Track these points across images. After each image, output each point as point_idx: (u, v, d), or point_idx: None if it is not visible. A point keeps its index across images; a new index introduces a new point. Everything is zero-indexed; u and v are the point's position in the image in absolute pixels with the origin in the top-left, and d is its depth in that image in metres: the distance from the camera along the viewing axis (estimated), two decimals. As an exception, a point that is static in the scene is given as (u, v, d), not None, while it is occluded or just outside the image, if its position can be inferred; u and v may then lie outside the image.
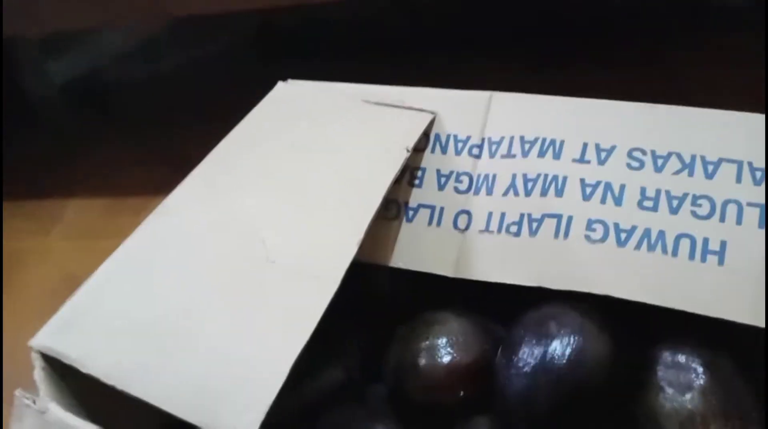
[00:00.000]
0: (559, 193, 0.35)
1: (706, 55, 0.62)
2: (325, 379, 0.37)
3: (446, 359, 0.35)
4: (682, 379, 0.32)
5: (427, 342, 0.35)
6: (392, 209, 0.39)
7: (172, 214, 0.35)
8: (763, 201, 0.33)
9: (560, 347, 0.31)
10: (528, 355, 0.31)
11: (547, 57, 0.70)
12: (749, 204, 0.33)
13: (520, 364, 0.31)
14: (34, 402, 0.26)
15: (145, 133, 0.70)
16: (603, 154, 0.36)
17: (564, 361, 0.30)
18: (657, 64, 0.66)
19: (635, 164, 0.35)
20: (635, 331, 0.38)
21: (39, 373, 0.27)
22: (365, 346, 0.42)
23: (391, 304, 0.42)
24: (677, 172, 0.35)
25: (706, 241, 0.33)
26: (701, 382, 0.32)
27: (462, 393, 0.35)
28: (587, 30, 0.75)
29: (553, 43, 0.73)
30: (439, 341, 0.35)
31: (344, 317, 0.41)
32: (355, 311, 0.42)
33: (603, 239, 0.34)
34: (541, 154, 0.37)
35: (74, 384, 0.28)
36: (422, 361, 0.35)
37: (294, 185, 0.37)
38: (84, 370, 0.27)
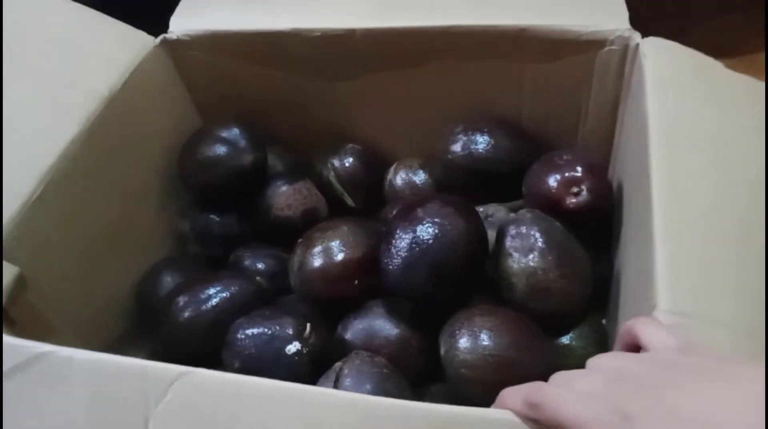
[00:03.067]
0: None
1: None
2: (236, 291, 0.42)
3: (340, 256, 0.42)
4: (525, 245, 0.41)
5: (323, 245, 0.42)
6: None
7: None
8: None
9: (426, 229, 0.38)
10: (402, 238, 0.38)
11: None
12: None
13: (397, 246, 0.38)
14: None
15: None
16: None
17: (430, 240, 0.38)
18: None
19: None
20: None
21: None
22: (274, 262, 0.48)
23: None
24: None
25: None
26: (539, 244, 0.40)
27: (356, 282, 0.42)
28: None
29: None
30: (333, 243, 0.42)
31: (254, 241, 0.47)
32: (264, 235, 0.49)
33: None
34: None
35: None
36: (320, 261, 0.42)
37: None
38: None
